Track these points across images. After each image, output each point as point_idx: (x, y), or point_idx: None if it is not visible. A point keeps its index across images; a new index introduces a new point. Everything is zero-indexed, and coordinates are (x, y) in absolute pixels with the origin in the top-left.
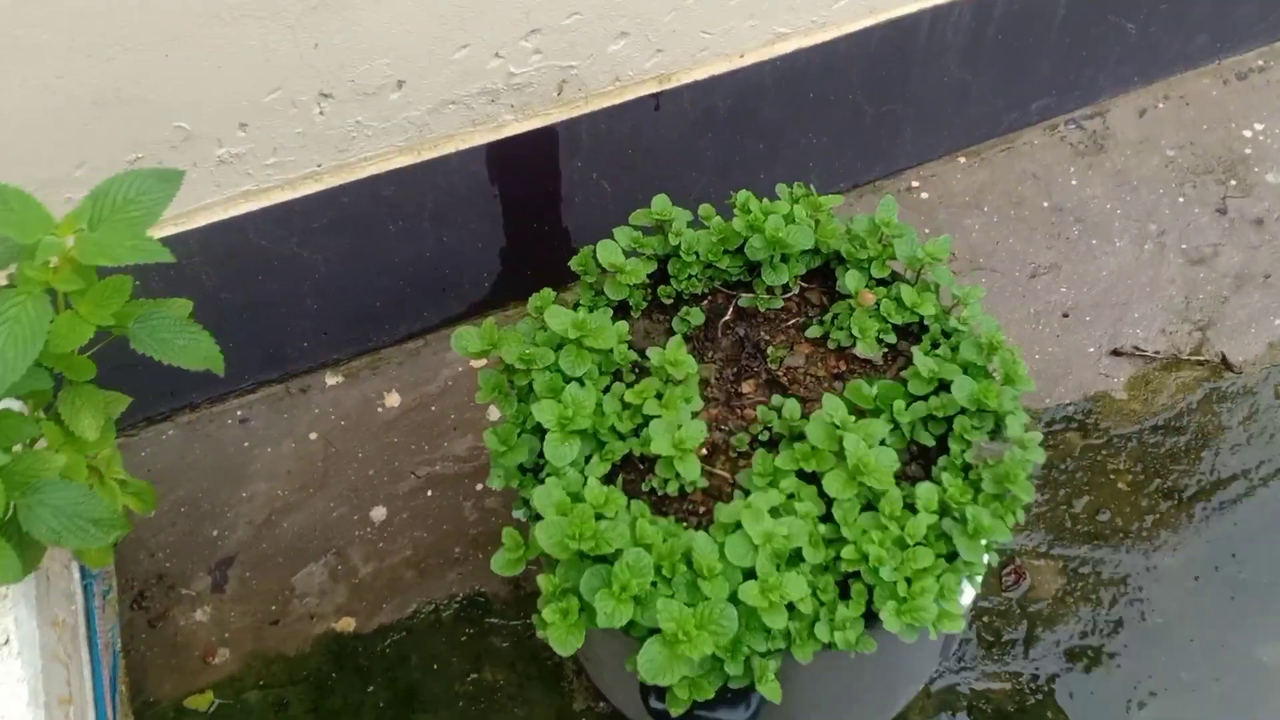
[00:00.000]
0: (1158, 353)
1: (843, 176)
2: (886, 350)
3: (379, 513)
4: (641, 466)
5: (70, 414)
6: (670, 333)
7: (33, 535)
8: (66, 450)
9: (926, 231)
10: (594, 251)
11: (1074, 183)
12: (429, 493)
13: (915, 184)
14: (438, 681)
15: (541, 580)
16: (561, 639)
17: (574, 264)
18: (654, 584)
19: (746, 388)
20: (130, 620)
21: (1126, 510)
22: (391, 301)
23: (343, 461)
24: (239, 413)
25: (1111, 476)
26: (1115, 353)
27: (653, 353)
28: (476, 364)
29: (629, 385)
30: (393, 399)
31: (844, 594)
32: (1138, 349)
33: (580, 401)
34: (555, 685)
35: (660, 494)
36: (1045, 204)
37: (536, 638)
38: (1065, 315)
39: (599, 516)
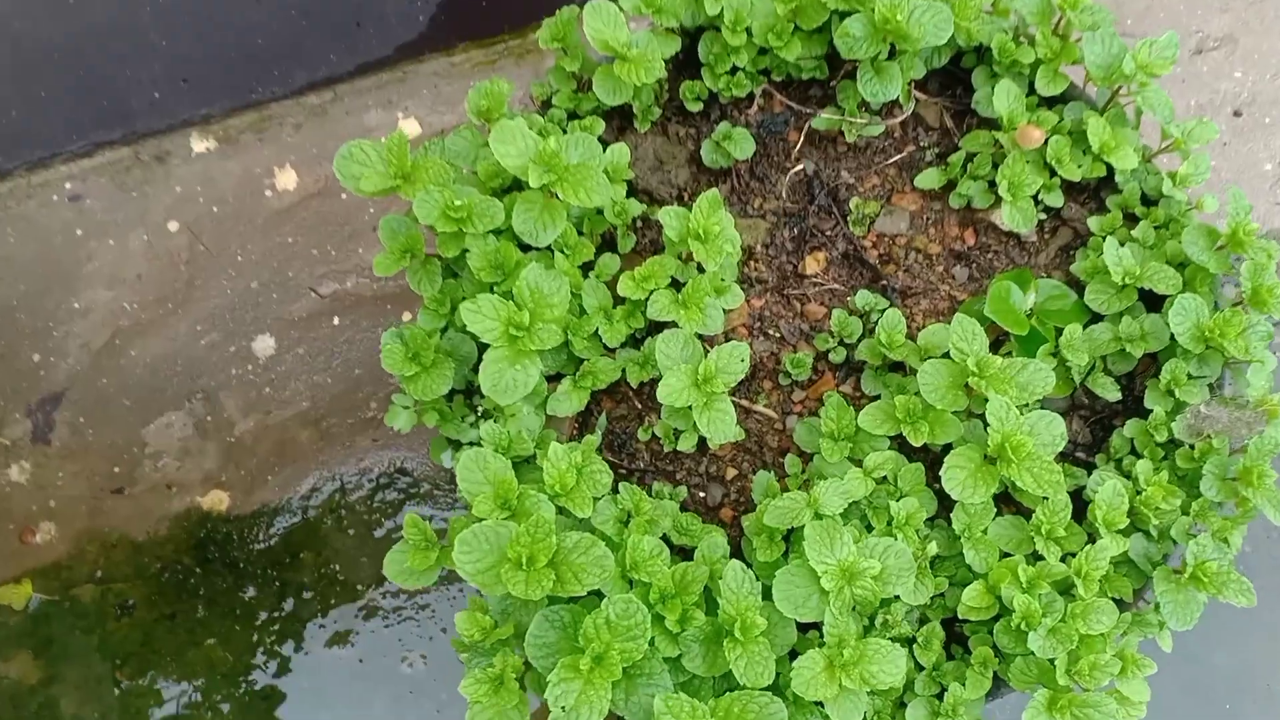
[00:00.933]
0: None
1: None
2: (1044, 217)
3: (265, 344)
4: (637, 402)
5: None
6: (696, 162)
7: None
8: None
9: None
10: (579, 19)
11: None
12: (336, 320)
13: None
14: (342, 589)
15: (462, 620)
16: None
17: (544, 38)
18: (651, 641)
19: (812, 264)
20: None
21: None
22: (281, 38)
23: (215, 266)
24: (68, 186)
25: None
26: None
27: (668, 216)
28: (409, 132)
29: (626, 256)
30: (287, 178)
31: (950, 637)
32: None
33: (545, 297)
34: None
35: (665, 449)
36: None
37: None
38: (1237, 114)
39: (561, 512)
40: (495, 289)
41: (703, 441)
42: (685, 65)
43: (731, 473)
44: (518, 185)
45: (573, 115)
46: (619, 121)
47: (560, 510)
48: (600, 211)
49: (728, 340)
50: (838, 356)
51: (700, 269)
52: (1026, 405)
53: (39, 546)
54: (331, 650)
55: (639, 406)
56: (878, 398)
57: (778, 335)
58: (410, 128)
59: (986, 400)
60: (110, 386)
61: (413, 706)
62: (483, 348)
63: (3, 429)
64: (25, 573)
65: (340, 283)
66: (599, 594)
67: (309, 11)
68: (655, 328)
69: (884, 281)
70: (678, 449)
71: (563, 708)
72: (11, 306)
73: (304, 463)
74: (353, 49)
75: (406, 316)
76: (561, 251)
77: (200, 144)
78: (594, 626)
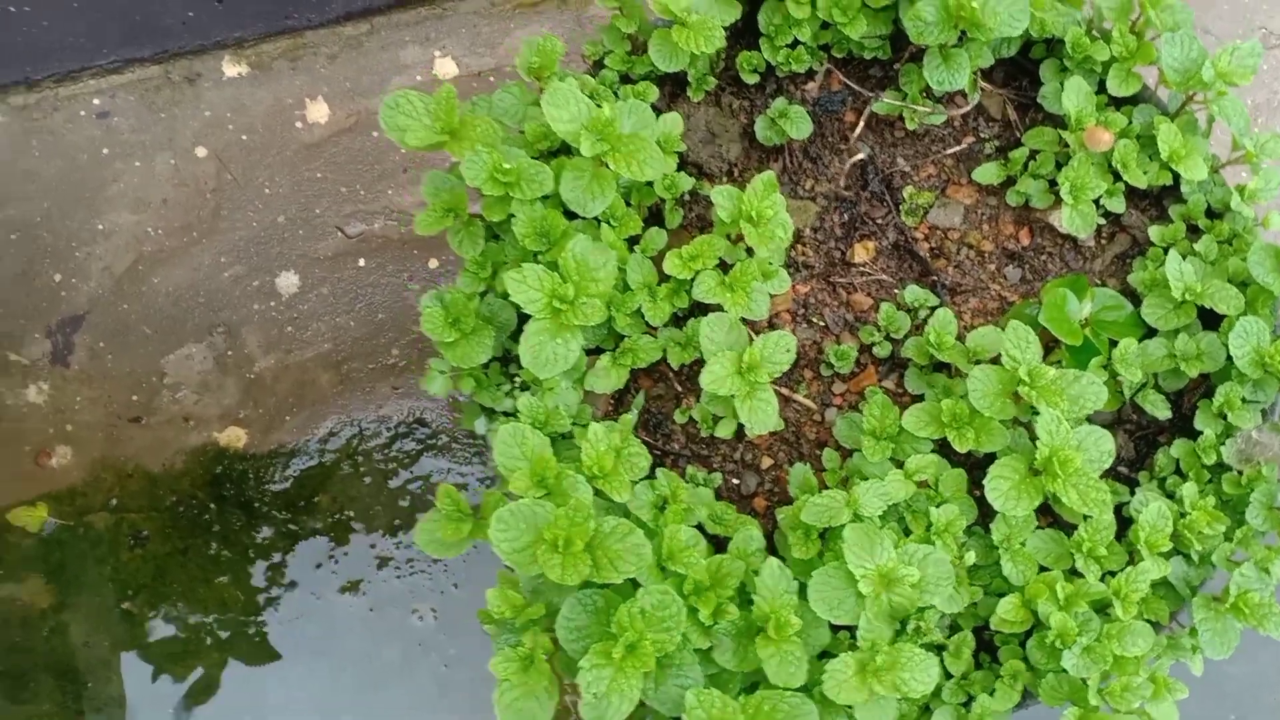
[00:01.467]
0: None
1: None
2: (1103, 221)
3: (289, 281)
4: (677, 383)
5: None
6: (749, 137)
7: None
8: None
9: None
10: None
11: None
12: (361, 262)
13: None
14: (355, 538)
15: (493, 597)
16: (516, 712)
17: None
18: (684, 635)
19: (861, 253)
20: None
21: None
22: None
23: (242, 197)
24: (96, 101)
25: None
26: None
27: (721, 195)
28: (444, 73)
29: (673, 232)
30: (318, 111)
31: (979, 644)
32: None
33: (591, 270)
34: None
35: (702, 434)
36: None
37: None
38: None
39: (597, 493)
40: (539, 257)
41: (740, 428)
42: (743, 34)
43: (767, 462)
44: (565, 148)
45: (625, 78)
46: (671, 88)
47: (596, 492)
48: (649, 183)
49: (771, 325)
50: (882, 351)
51: (749, 252)
52: (1075, 418)
53: (55, 470)
54: (343, 597)
55: (678, 388)
56: (921, 396)
57: (821, 324)
58: (446, 68)
59: (1034, 410)
60: (131, 313)
61: (421, 659)
62: (523, 316)
63: (22, 348)
64: (40, 496)
65: (368, 223)
66: (631, 579)
67: None
68: (698, 308)
69: (934, 276)
70: (714, 434)
71: (594, 693)
72: (34, 223)
73: (323, 405)
74: None
75: (433, 263)
76: (608, 223)
77: (232, 68)
78: (628, 615)
